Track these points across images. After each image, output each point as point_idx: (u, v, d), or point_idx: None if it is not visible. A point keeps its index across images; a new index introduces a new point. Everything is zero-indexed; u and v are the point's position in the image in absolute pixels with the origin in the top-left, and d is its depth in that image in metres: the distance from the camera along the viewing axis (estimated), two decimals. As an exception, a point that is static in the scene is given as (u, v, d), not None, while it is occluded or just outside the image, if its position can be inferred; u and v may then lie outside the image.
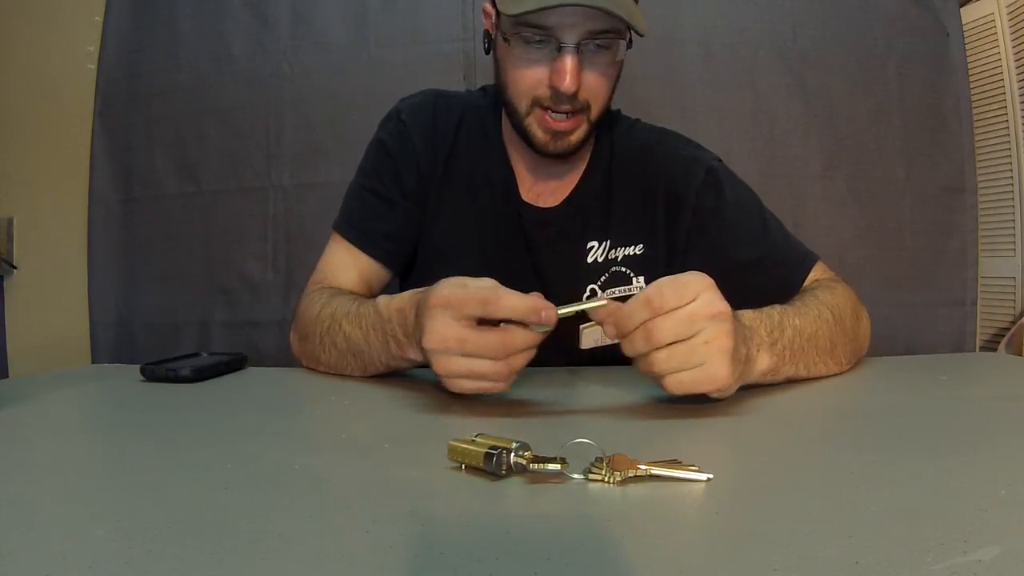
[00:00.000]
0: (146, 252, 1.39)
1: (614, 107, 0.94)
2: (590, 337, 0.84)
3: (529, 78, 0.74)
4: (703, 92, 1.31)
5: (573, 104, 0.74)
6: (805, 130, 1.32)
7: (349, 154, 1.15)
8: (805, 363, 0.67)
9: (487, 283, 0.54)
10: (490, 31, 0.79)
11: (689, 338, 0.51)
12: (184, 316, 1.37)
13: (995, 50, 1.57)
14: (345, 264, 0.85)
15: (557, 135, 0.77)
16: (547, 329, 0.53)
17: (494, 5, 0.76)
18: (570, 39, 0.70)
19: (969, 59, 1.37)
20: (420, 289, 0.61)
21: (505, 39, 0.74)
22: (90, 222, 1.40)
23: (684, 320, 0.51)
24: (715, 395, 0.55)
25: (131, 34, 1.39)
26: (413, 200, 0.86)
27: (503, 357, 0.53)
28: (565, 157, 0.81)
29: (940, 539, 0.30)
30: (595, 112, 0.77)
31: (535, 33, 0.71)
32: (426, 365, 0.77)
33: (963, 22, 1.38)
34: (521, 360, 0.55)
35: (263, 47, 1.35)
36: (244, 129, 1.35)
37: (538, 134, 0.77)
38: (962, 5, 1.43)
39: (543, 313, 0.52)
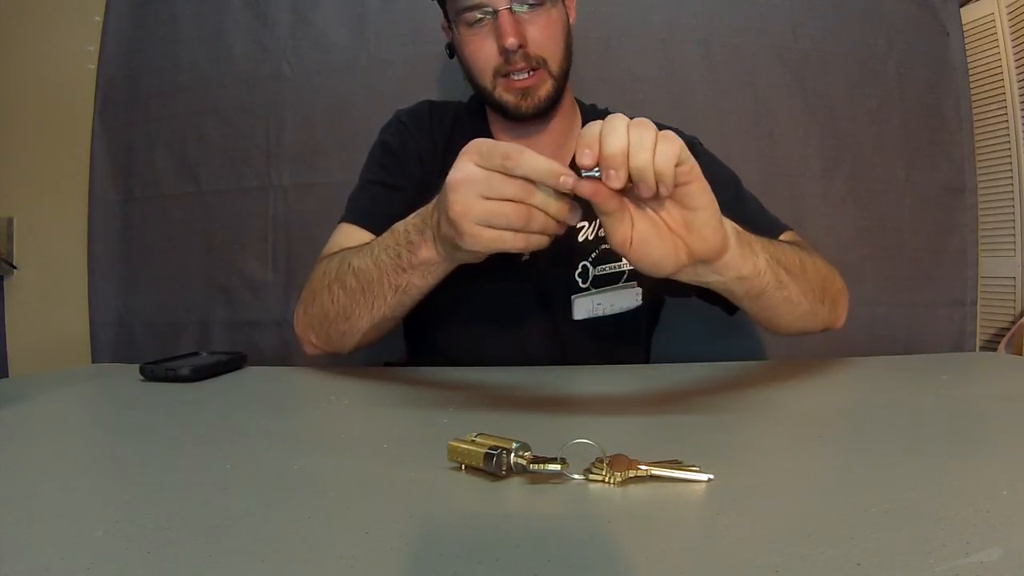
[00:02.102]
0: (146, 252, 1.39)
1: (601, 106, 0.97)
2: (582, 308, 0.86)
3: (482, 53, 0.83)
4: (703, 92, 1.31)
5: (527, 61, 0.82)
6: (805, 130, 1.32)
7: (349, 154, 1.15)
8: (774, 255, 0.65)
9: (511, 143, 0.53)
10: (449, 39, 0.90)
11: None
12: (184, 316, 1.37)
13: (995, 50, 1.57)
14: (350, 242, 0.85)
15: (524, 93, 0.83)
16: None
17: (445, 16, 0.88)
18: (501, 3, 0.79)
19: (969, 59, 1.37)
20: None
21: (456, 32, 0.84)
22: (90, 222, 1.40)
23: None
24: (707, 221, 0.52)
25: (131, 34, 1.39)
26: (417, 187, 0.89)
27: (525, 199, 0.52)
28: (541, 116, 0.87)
29: (942, 540, 0.30)
30: (554, 66, 0.84)
31: (473, 13, 0.81)
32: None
33: (963, 22, 1.38)
34: (540, 220, 0.52)
35: (263, 47, 1.35)
36: (244, 129, 1.35)
37: (508, 99, 0.84)
38: (962, 5, 1.43)
39: (562, 178, 0.50)
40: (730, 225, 0.59)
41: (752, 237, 0.63)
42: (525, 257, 0.56)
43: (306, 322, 0.82)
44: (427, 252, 0.64)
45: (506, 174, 0.52)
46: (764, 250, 0.64)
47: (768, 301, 0.67)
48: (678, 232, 0.52)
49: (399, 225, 0.68)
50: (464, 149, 0.54)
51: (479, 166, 0.53)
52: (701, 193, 0.51)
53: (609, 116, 0.50)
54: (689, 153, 0.50)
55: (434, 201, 0.62)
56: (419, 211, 0.66)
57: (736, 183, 0.90)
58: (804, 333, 0.77)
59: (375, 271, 0.70)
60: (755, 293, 0.65)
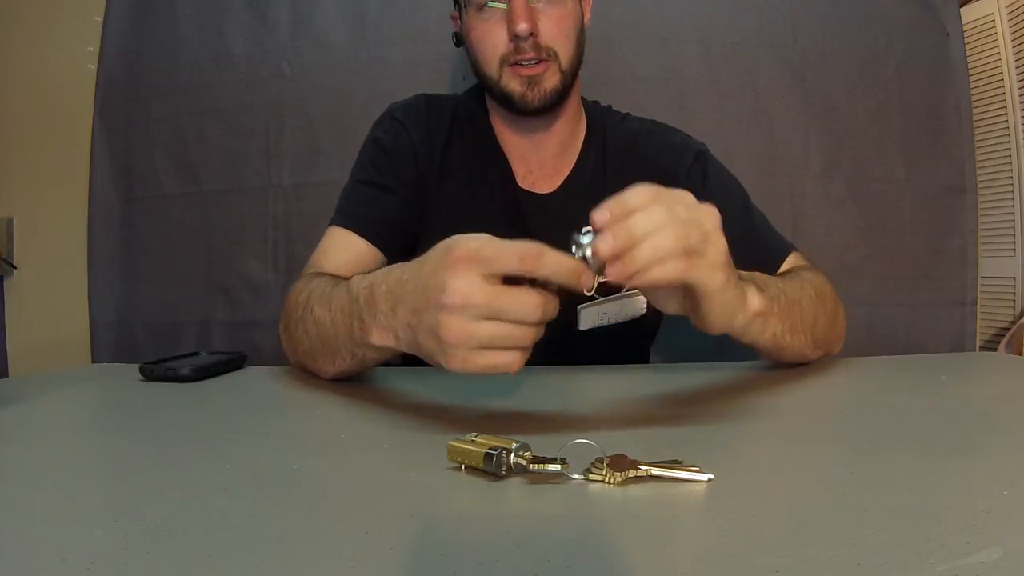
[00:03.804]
0: (146, 252, 1.39)
1: (604, 103, 0.96)
2: (588, 318, 0.86)
3: (490, 39, 0.80)
4: (703, 92, 1.31)
5: (537, 52, 0.79)
6: (805, 130, 1.32)
7: (349, 154, 1.15)
8: (791, 325, 0.66)
9: (522, 242, 0.46)
10: (457, 29, 0.87)
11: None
12: (184, 316, 1.37)
13: (995, 50, 1.57)
14: (338, 247, 0.82)
15: (531, 83, 0.80)
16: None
17: (455, 4, 0.85)
18: None
19: (969, 59, 1.37)
20: (397, 265, 0.53)
21: (465, 18, 0.82)
22: (90, 222, 1.40)
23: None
24: (706, 277, 0.49)
25: (131, 34, 1.39)
26: (413, 189, 0.86)
27: (537, 320, 0.45)
28: (547, 111, 0.84)
29: (942, 540, 0.30)
30: (564, 59, 0.81)
31: None
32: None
33: (963, 22, 1.37)
34: (540, 333, 0.47)
35: (263, 47, 1.35)
36: (244, 129, 1.35)
37: (514, 88, 0.81)
38: (962, 5, 1.43)
39: (583, 278, 0.46)
40: (751, 309, 0.57)
41: (774, 310, 0.62)
42: None
43: (286, 343, 0.77)
44: (379, 338, 0.54)
45: (526, 276, 0.45)
46: (780, 321, 0.64)
47: (761, 349, 0.69)
48: (687, 298, 0.52)
49: (355, 286, 0.58)
50: (455, 255, 0.45)
51: (481, 276, 0.45)
52: (715, 308, 0.50)
53: (658, 211, 0.45)
54: (716, 279, 0.48)
55: (390, 283, 0.52)
56: (371, 281, 0.55)
57: (744, 198, 0.89)
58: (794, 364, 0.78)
59: (331, 329, 0.62)
60: (747, 343, 0.66)
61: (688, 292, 0.51)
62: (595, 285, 0.46)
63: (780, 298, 0.65)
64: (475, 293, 0.44)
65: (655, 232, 0.45)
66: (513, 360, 0.46)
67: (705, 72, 1.31)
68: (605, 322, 0.87)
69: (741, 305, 0.56)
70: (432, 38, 1.30)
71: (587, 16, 0.87)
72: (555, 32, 0.79)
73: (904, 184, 1.34)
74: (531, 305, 0.45)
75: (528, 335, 0.46)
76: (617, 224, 0.45)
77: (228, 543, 0.32)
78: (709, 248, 0.48)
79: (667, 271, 0.46)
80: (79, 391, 0.75)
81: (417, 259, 0.51)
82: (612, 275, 0.45)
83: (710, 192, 0.86)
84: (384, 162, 0.87)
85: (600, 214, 0.46)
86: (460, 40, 0.87)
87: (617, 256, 0.45)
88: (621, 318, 0.88)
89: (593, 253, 0.45)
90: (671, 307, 0.53)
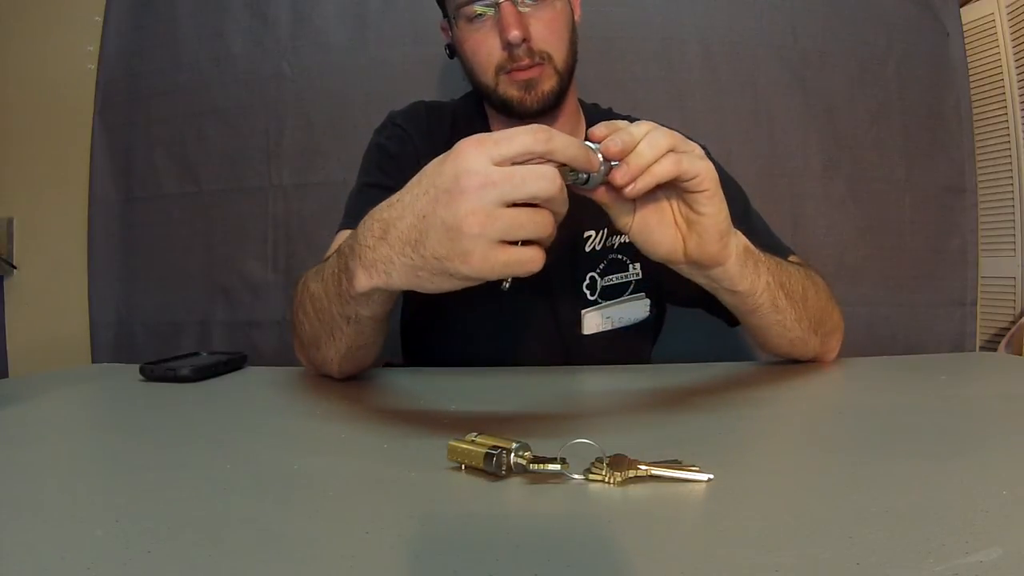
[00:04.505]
0: (146, 252, 1.39)
1: (605, 106, 0.96)
2: (592, 322, 0.86)
3: (484, 49, 0.80)
4: (703, 92, 1.31)
5: (531, 56, 0.79)
6: (805, 130, 1.32)
7: (349, 154, 1.15)
8: (780, 282, 0.66)
9: (527, 125, 0.45)
10: (448, 40, 0.88)
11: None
12: (184, 316, 1.37)
13: (995, 50, 1.57)
14: None
15: (527, 86, 0.80)
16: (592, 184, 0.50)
17: (444, 15, 0.85)
18: None
19: (969, 59, 1.37)
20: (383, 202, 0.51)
21: (456, 29, 0.82)
22: (90, 222, 1.40)
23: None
24: (707, 206, 0.53)
25: (131, 34, 1.39)
26: None
27: (555, 194, 0.43)
28: (545, 112, 0.83)
29: (942, 540, 0.30)
30: (558, 62, 0.81)
31: (473, 7, 0.78)
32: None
33: (963, 22, 1.38)
34: (554, 224, 0.45)
35: (263, 47, 1.35)
36: (244, 129, 1.35)
37: (512, 93, 0.81)
38: (962, 5, 1.43)
39: (592, 159, 0.47)
40: (740, 242, 0.60)
41: (761, 257, 0.64)
42: (506, 285, 0.46)
43: (295, 344, 0.76)
44: (366, 280, 0.50)
45: (539, 161, 0.43)
46: (769, 272, 0.65)
47: (760, 320, 0.68)
48: (680, 227, 0.55)
49: (343, 243, 0.56)
50: (461, 145, 0.44)
51: (494, 161, 0.43)
52: (708, 202, 0.53)
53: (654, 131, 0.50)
54: (706, 167, 0.52)
55: (376, 214, 0.49)
56: (356, 229, 0.52)
57: (744, 201, 0.88)
58: (791, 358, 0.77)
59: (324, 299, 0.60)
60: (747, 309, 0.66)
61: (681, 218, 0.55)
62: (601, 170, 0.49)
63: (767, 256, 0.65)
64: (493, 171, 0.43)
65: (650, 133, 0.49)
66: (535, 255, 0.44)
67: (705, 72, 1.31)
68: (609, 326, 0.87)
69: (732, 229, 0.58)
70: (432, 38, 1.29)
71: (577, 13, 0.86)
72: (547, 35, 0.79)
73: (904, 184, 1.34)
74: (550, 175, 0.43)
75: (548, 222, 0.44)
76: (617, 132, 0.49)
77: (228, 543, 0.32)
78: (695, 148, 0.52)
79: (666, 166, 0.49)
80: (79, 391, 0.75)
81: (405, 186, 0.49)
82: (619, 177, 0.49)
83: None
84: (390, 166, 0.87)
85: (599, 128, 0.49)
86: (454, 51, 0.87)
87: (623, 154, 0.48)
88: (624, 322, 0.88)
89: (603, 152, 0.48)
90: (665, 242, 0.55)
